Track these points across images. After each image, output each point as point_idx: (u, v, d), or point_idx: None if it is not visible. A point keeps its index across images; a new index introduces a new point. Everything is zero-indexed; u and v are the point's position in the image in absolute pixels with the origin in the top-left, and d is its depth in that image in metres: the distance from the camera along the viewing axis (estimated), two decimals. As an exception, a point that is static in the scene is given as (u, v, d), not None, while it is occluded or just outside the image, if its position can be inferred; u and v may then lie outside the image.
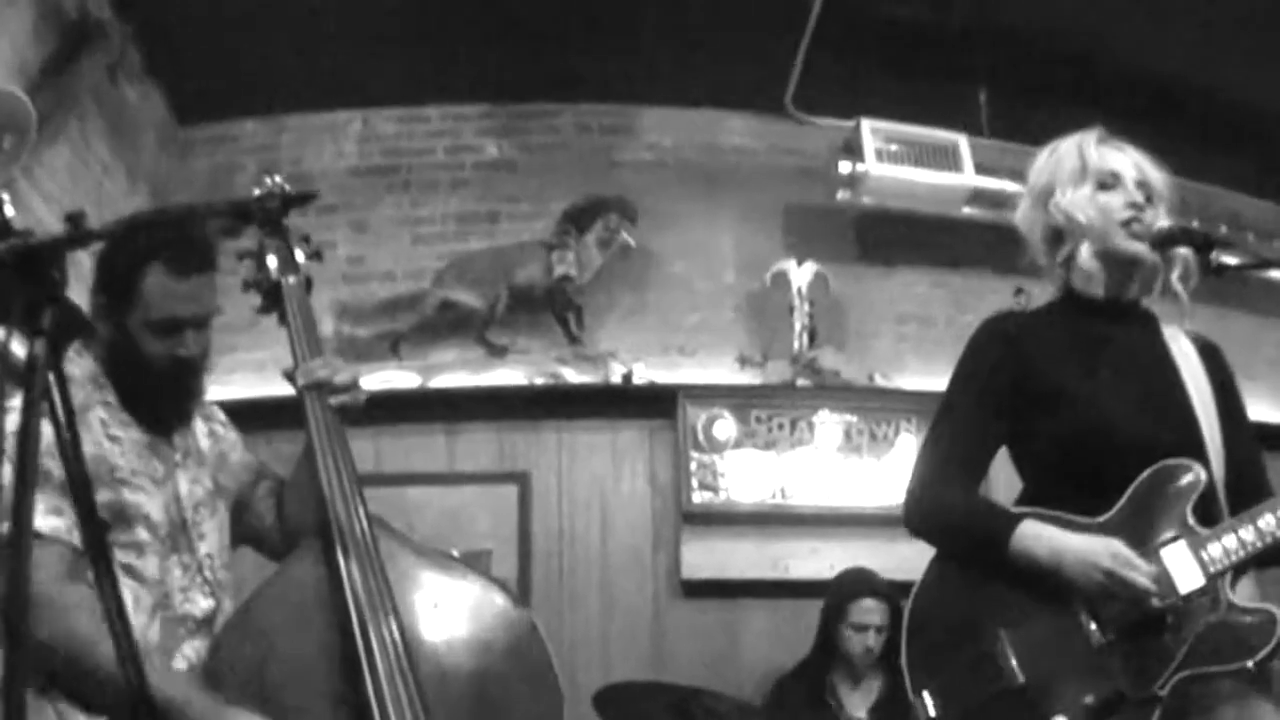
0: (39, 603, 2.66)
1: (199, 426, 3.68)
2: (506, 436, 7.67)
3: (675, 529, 7.51)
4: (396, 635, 3.25)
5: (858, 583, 6.70)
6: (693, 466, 7.49)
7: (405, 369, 7.73)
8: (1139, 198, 3.59)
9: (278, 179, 3.57)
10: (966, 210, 7.76)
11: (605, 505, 7.62)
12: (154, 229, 3.48)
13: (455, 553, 6.72)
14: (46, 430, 2.74)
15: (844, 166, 7.75)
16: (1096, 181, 3.62)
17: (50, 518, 3.10)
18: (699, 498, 7.47)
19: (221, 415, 3.83)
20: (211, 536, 3.56)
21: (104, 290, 3.45)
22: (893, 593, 6.59)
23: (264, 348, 6.71)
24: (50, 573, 3.04)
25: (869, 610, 6.57)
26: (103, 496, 3.20)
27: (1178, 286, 3.62)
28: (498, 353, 7.80)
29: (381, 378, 7.51)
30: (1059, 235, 3.69)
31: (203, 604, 3.47)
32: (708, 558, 7.43)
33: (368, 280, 7.99)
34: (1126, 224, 3.56)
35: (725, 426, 7.53)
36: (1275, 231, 8.38)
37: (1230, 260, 3.39)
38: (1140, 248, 3.56)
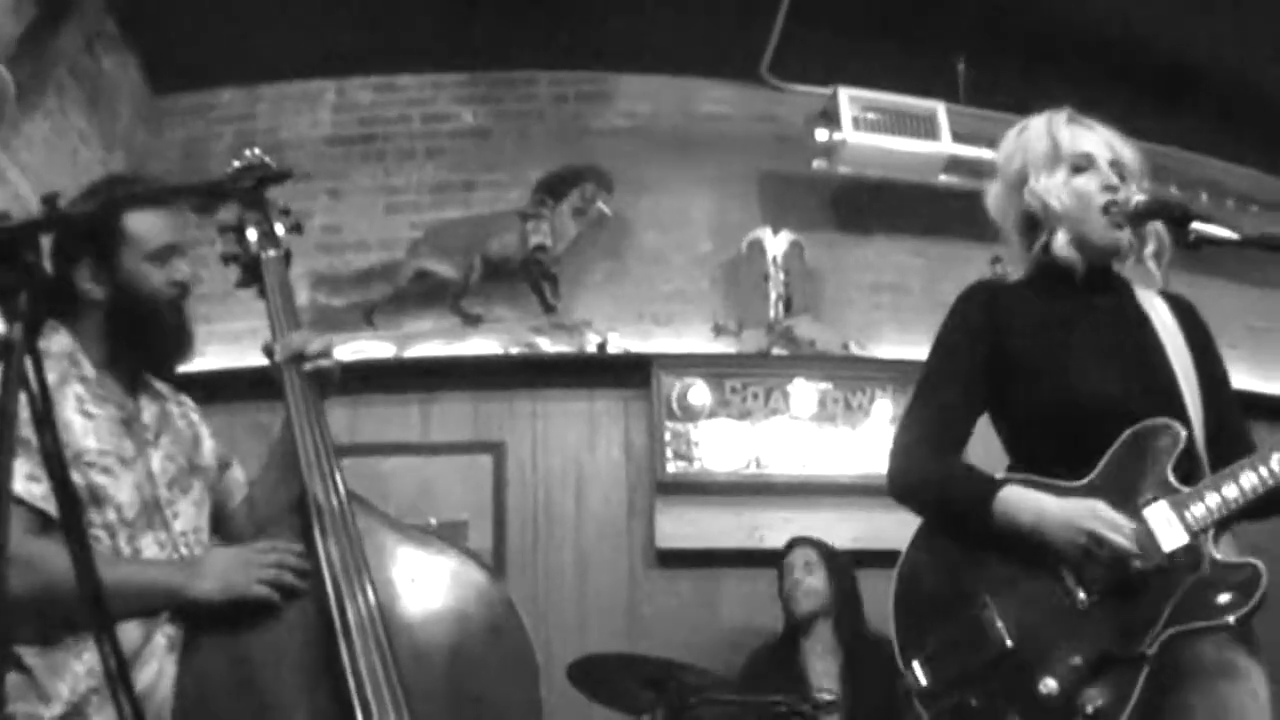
0: (12, 560, 2.67)
1: (173, 408, 3.70)
2: (481, 406, 7.66)
3: (650, 498, 7.51)
4: (373, 608, 3.26)
5: (793, 539, 6.88)
6: (667, 436, 7.49)
7: (380, 339, 7.72)
8: (1113, 178, 3.59)
9: (257, 151, 3.57)
10: (944, 178, 7.78)
11: (580, 475, 7.62)
12: (127, 207, 3.53)
13: (432, 521, 6.89)
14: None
15: (820, 135, 7.75)
16: (1070, 165, 3.63)
17: (29, 483, 3.12)
18: (674, 467, 7.46)
19: (191, 402, 3.84)
20: (187, 514, 3.57)
21: (90, 248, 3.49)
22: (833, 548, 6.75)
23: (239, 319, 6.71)
24: (19, 531, 3.03)
25: (801, 554, 6.73)
26: (76, 479, 3.20)
27: (1151, 264, 3.64)
28: (472, 322, 7.78)
29: (356, 347, 7.50)
30: (1034, 221, 3.69)
31: None
32: (683, 527, 7.44)
33: (343, 250, 7.97)
34: (1105, 209, 3.56)
35: (700, 395, 7.52)
36: (1253, 197, 8.42)
37: (1208, 234, 3.37)
38: (1121, 236, 3.58)
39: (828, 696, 6.24)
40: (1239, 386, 3.78)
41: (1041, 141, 3.69)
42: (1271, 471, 3.27)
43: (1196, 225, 3.35)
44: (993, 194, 3.82)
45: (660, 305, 7.99)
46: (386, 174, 8.21)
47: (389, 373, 7.52)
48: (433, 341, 7.77)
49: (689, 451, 7.48)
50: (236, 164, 3.51)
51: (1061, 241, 3.61)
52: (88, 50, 7.11)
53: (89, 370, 3.46)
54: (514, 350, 7.71)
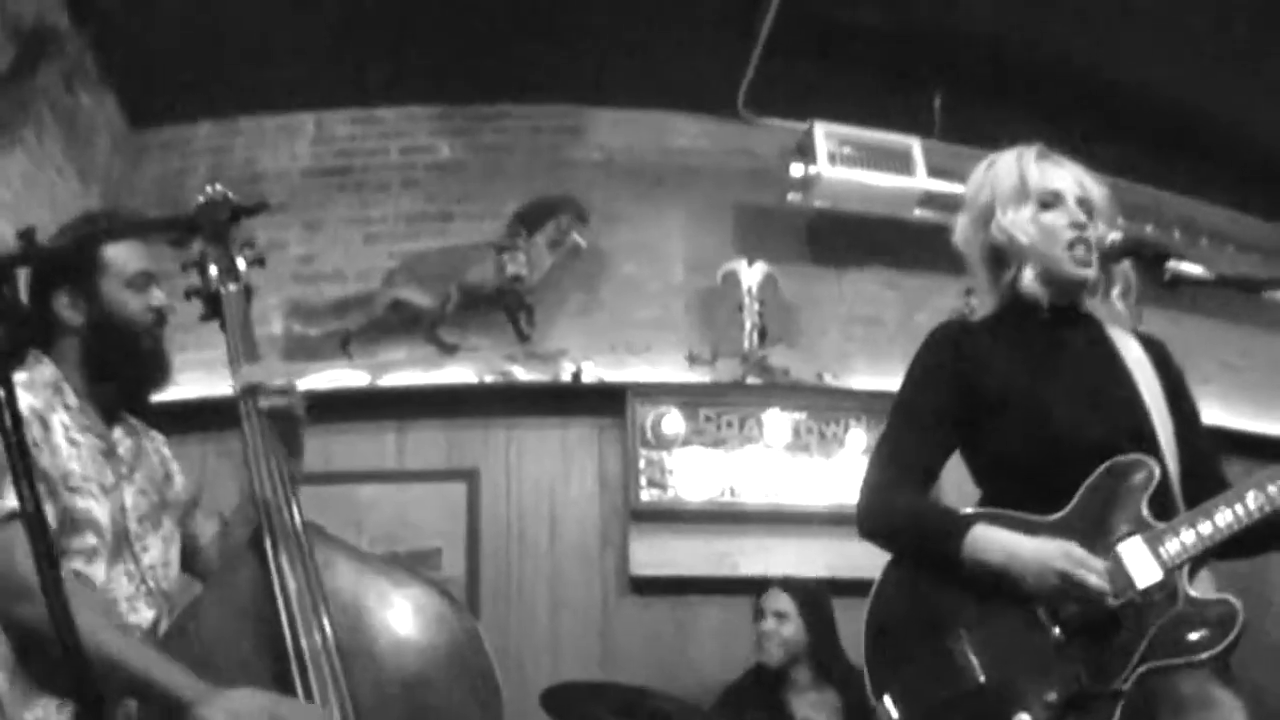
0: (27, 586, 2.71)
1: (147, 443, 3.72)
2: (456, 434, 7.67)
3: (624, 526, 7.52)
4: (329, 638, 3.25)
5: (768, 580, 6.84)
6: (641, 464, 7.50)
7: (355, 367, 7.76)
8: (1081, 216, 3.61)
9: (219, 187, 3.55)
10: (918, 212, 7.80)
11: (554, 503, 7.62)
12: (101, 242, 3.59)
13: (400, 550, 6.86)
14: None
15: (796, 169, 7.80)
16: (1038, 201, 3.63)
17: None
18: (648, 495, 7.47)
19: (161, 438, 3.85)
20: (155, 549, 3.59)
21: (69, 276, 3.54)
22: (809, 589, 6.71)
23: (213, 347, 6.57)
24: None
25: (774, 598, 6.67)
26: (58, 504, 3.28)
27: (1119, 304, 3.66)
28: (448, 350, 7.78)
29: (331, 376, 7.49)
30: (1000, 255, 3.69)
31: (146, 614, 3.48)
32: (656, 555, 7.44)
33: (318, 280, 7.98)
34: (1071, 246, 3.57)
35: (674, 424, 7.54)
36: (1227, 235, 8.49)
37: (1184, 273, 3.39)
38: (1088, 274, 3.59)
39: None
40: (1212, 423, 3.81)
41: (1010, 176, 3.69)
42: (1247, 509, 3.28)
43: (1172, 264, 3.37)
44: (960, 227, 3.83)
45: (635, 334, 8.00)
46: (363, 205, 8.23)
47: (364, 401, 7.50)
48: (408, 370, 7.80)
49: (663, 480, 7.49)
50: (200, 200, 3.51)
51: (1029, 276, 3.62)
52: (66, 87, 7.13)
53: (72, 399, 3.49)
54: (489, 379, 7.72)
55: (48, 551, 2.45)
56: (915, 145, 7.84)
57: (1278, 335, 8.66)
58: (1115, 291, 3.65)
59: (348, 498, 7.04)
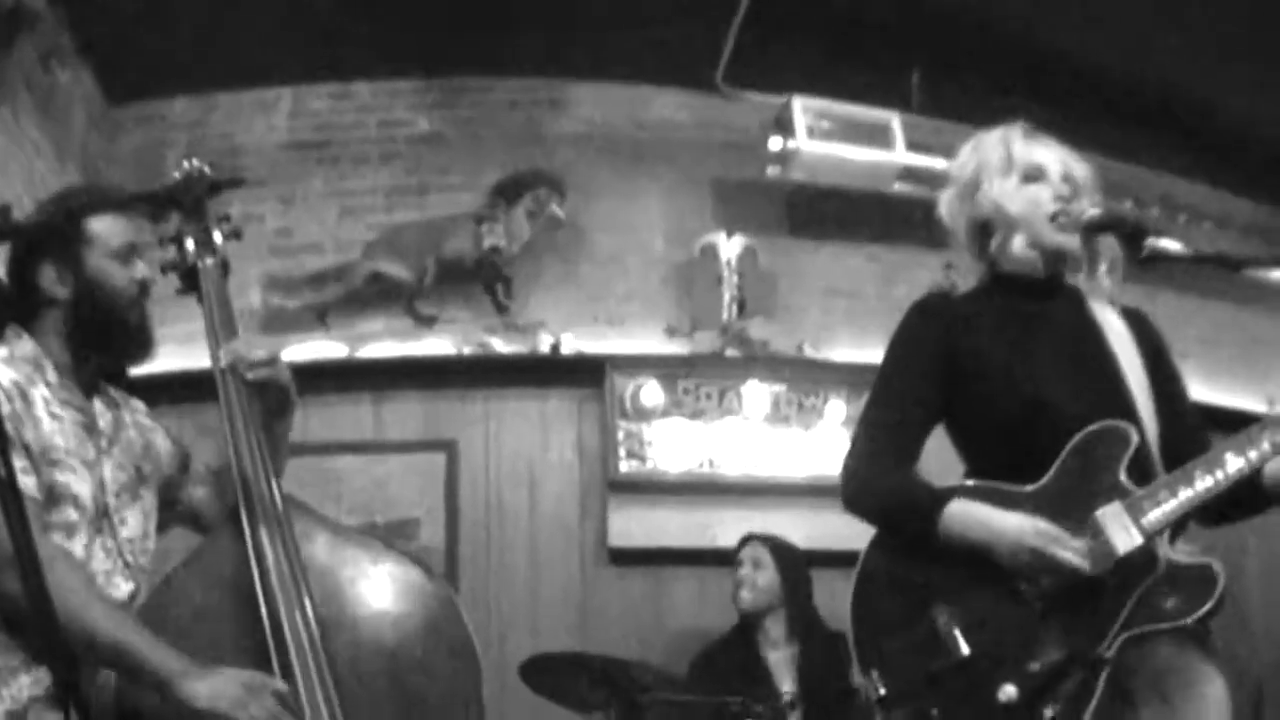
0: (8, 557, 2.65)
1: (125, 416, 3.70)
2: (434, 406, 7.69)
3: (602, 498, 7.55)
4: (308, 611, 3.27)
5: (746, 536, 6.93)
6: (620, 436, 7.53)
7: (332, 339, 7.72)
8: (1064, 190, 3.61)
9: (196, 162, 3.60)
10: (898, 186, 7.81)
11: (533, 474, 7.64)
12: (86, 214, 3.57)
13: (378, 520, 6.93)
14: (0, 399, 3.20)
15: (775, 143, 7.80)
16: (1022, 174, 3.64)
17: (23, 475, 3.14)
18: (626, 466, 7.51)
19: (142, 406, 3.84)
20: (133, 522, 3.58)
21: (53, 249, 3.52)
22: (787, 544, 6.81)
23: (190, 320, 6.61)
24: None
25: (751, 548, 6.81)
26: (41, 477, 3.29)
27: (1105, 281, 3.67)
28: (426, 322, 7.80)
29: (309, 348, 7.49)
30: (987, 227, 3.70)
31: (124, 587, 3.47)
32: (635, 526, 7.48)
33: (296, 253, 7.97)
34: (1054, 217, 3.58)
35: (653, 396, 7.55)
36: (1207, 213, 8.50)
37: (1161, 249, 3.38)
38: (1067, 239, 3.59)
39: (788, 695, 6.29)
40: (1192, 398, 3.80)
41: (996, 151, 3.70)
42: (1226, 473, 3.27)
43: (1149, 240, 3.37)
44: (946, 201, 3.82)
45: (613, 307, 8.02)
46: (341, 178, 8.20)
47: (341, 373, 7.53)
48: (385, 342, 7.78)
49: (642, 451, 7.53)
50: (177, 175, 3.56)
51: (1019, 244, 3.64)
52: (43, 65, 7.08)
53: (52, 375, 3.47)
54: (467, 351, 7.73)
55: (23, 523, 2.45)
56: (894, 120, 7.82)
57: (1254, 310, 8.72)
58: (1103, 268, 3.65)
59: (325, 469, 7.03)
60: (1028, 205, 3.61)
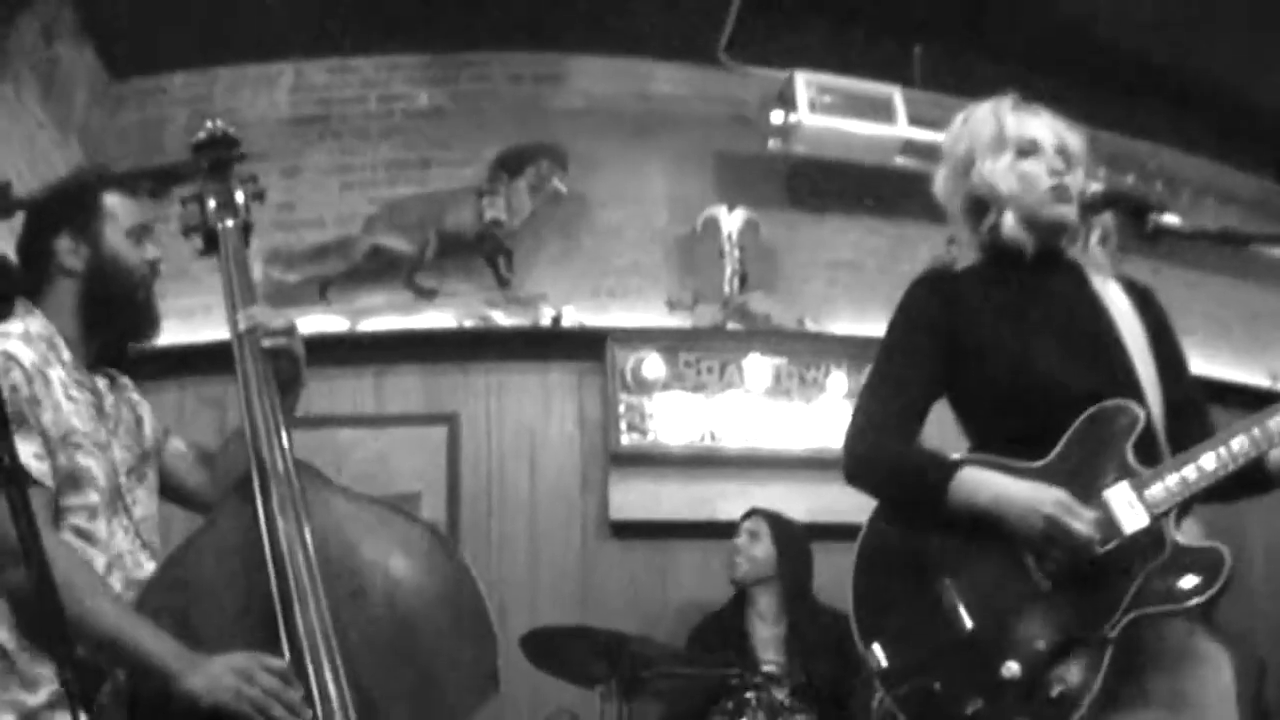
0: (17, 550, 2.67)
1: (122, 395, 3.70)
2: (435, 379, 7.70)
3: (604, 470, 7.56)
4: (318, 581, 3.26)
5: (749, 510, 6.98)
6: (621, 409, 7.53)
7: (333, 313, 7.72)
8: (1059, 164, 3.59)
9: (219, 122, 3.66)
10: (900, 160, 7.78)
11: (534, 447, 7.66)
12: (106, 186, 3.64)
13: (380, 495, 6.85)
14: (22, 381, 3.24)
15: (776, 116, 7.78)
16: (1016, 149, 3.61)
17: (37, 462, 3.20)
18: (628, 439, 7.52)
19: (130, 383, 3.82)
20: (143, 501, 3.60)
21: (72, 219, 3.53)
22: (788, 520, 6.84)
23: (191, 295, 6.71)
24: (42, 521, 3.00)
25: (751, 520, 6.86)
26: (60, 460, 3.30)
27: (1098, 252, 3.64)
28: (427, 296, 7.79)
29: (310, 322, 7.31)
30: (981, 204, 3.65)
31: (147, 566, 3.49)
32: (636, 499, 7.49)
33: (298, 227, 7.95)
34: (1050, 191, 3.56)
35: (654, 368, 7.55)
36: (1210, 188, 8.50)
37: (1165, 225, 3.37)
38: (1066, 212, 3.57)
39: (770, 668, 6.29)
40: (1194, 373, 3.78)
41: (988, 126, 3.67)
42: (1232, 454, 3.25)
43: (1154, 216, 3.36)
44: (940, 178, 3.80)
45: (615, 280, 8.02)
46: (343, 153, 8.18)
47: (342, 346, 7.53)
48: (386, 315, 7.78)
49: (643, 424, 7.53)
50: (201, 135, 3.63)
51: (1010, 222, 3.58)
52: (45, 40, 7.09)
53: (66, 354, 3.47)
54: (469, 324, 7.73)
55: (29, 515, 2.46)
56: (896, 94, 7.81)
57: (1258, 285, 8.71)
58: (1094, 239, 3.62)
59: (327, 442, 6.98)
60: (1022, 182, 3.57)
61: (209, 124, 3.65)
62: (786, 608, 6.69)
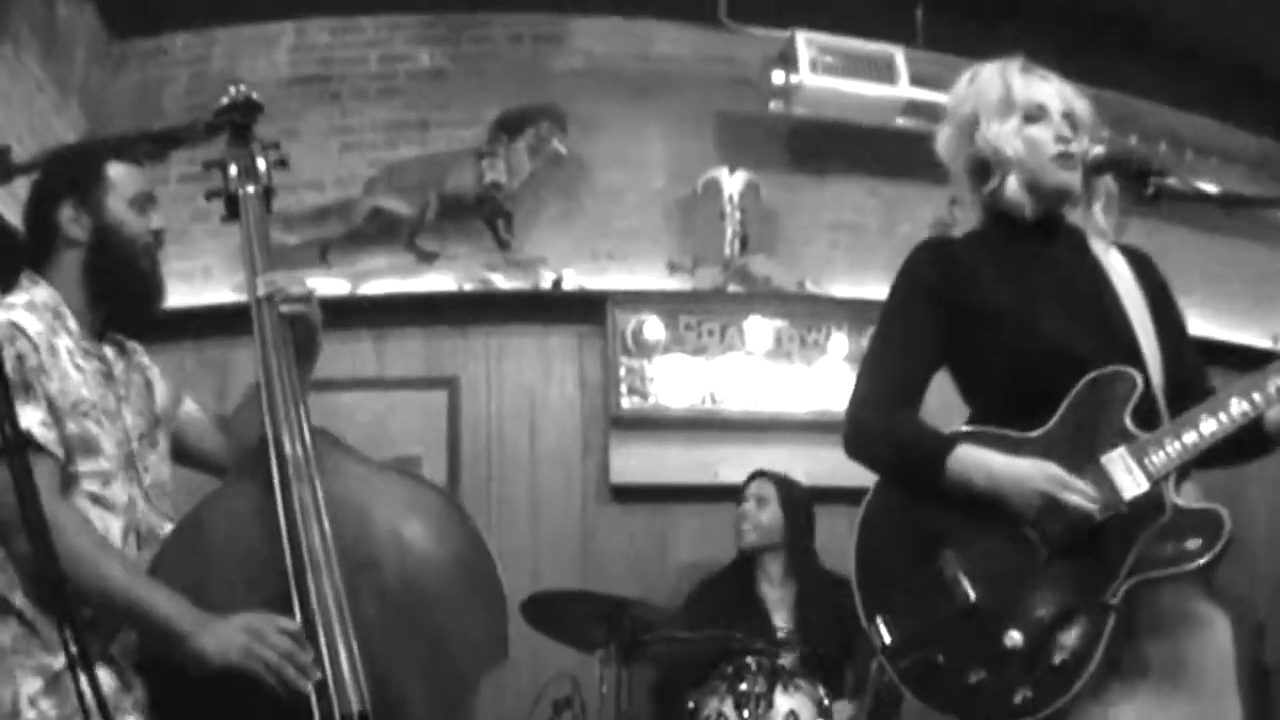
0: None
1: (132, 362, 3.74)
2: (435, 342, 7.70)
3: (604, 434, 7.58)
4: (331, 546, 3.32)
5: (754, 472, 6.98)
6: (622, 372, 7.53)
7: (334, 275, 7.69)
8: (1066, 130, 3.58)
9: (242, 88, 3.74)
10: (901, 121, 7.78)
11: (534, 410, 7.66)
12: (101, 159, 3.67)
13: (381, 457, 6.83)
14: (28, 350, 3.30)
15: (777, 77, 7.76)
16: (1023, 114, 3.59)
17: (44, 429, 3.26)
18: (628, 403, 7.51)
19: (141, 348, 3.86)
20: (155, 468, 3.65)
21: (74, 189, 3.57)
22: (794, 484, 6.85)
23: (193, 258, 6.73)
24: (48, 488, 3.13)
25: (757, 484, 6.87)
26: (70, 428, 3.35)
27: (1100, 216, 3.64)
28: (427, 258, 7.78)
29: (310, 284, 7.39)
30: (984, 167, 3.65)
31: (160, 530, 3.53)
32: (636, 462, 7.51)
33: (297, 189, 7.80)
34: (1056, 158, 3.55)
35: (654, 331, 7.55)
36: (1213, 148, 8.43)
37: (1167, 187, 3.37)
38: (1071, 179, 3.57)
39: (783, 632, 6.31)
40: (1195, 334, 3.78)
41: (994, 89, 3.65)
42: (1231, 417, 3.26)
43: (1155, 179, 3.36)
44: (943, 138, 3.79)
45: (615, 242, 8.01)
46: (343, 114, 8.17)
47: (343, 309, 7.41)
48: (387, 278, 7.79)
49: (643, 387, 7.53)
50: (224, 100, 3.72)
51: (1013, 185, 3.59)
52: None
53: (73, 324, 3.51)
54: (469, 286, 7.73)
55: (29, 484, 2.51)
56: (898, 54, 7.79)
57: (1259, 245, 8.69)
58: (1097, 205, 3.63)
59: (327, 405, 6.90)
60: (1028, 147, 3.57)
61: (231, 89, 3.72)
62: (794, 572, 6.72)
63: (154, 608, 3.23)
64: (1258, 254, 8.71)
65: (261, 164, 3.83)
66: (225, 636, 3.21)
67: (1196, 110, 8.51)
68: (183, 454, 3.84)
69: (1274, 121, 8.65)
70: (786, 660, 5.93)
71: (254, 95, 3.75)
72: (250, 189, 3.79)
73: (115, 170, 3.61)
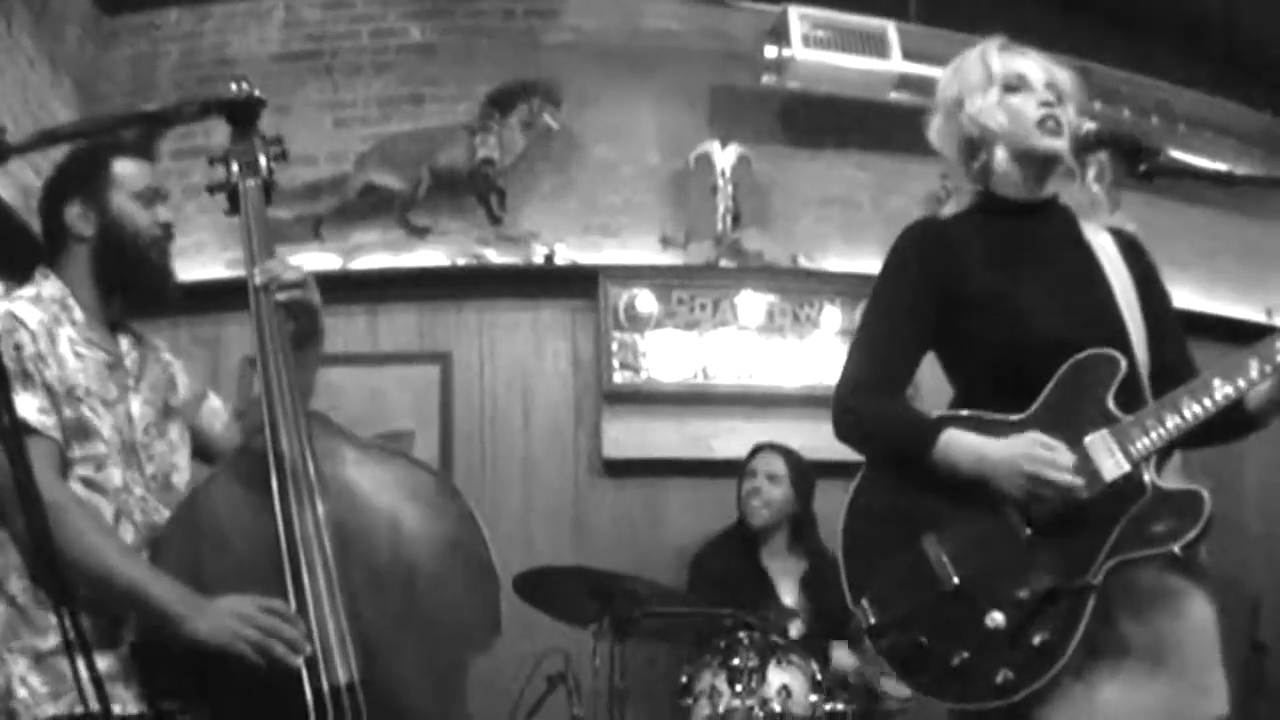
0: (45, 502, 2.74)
1: (150, 353, 3.80)
2: (428, 317, 7.72)
3: (597, 408, 7.59)
4: (324, 529, 3.39)
5: (761, 444, 6.98)
6: (614, 346, 7.55)
7: (326, 251, 7.71)
8: (1048, 96, 3.60)
9: (245, 84, 3.68)
10: (894, 95, 7.77)
11: (527, 385, 7.69)
12: (107, 155, 3.73)
13: (376, 433, 6.78)
14: (26, 340, 3.38)
15: (770, 51, 7.77)
16: (1003, 85, 3.62)
17: (42, 415, 3.34)
18: (620, 377, 7.53)
19: (164, 345, 3.94)
20: (162, 456, 3.69)
21: (81, 187, 3.66)
22: (801, 457, 6.82)
23: (183, 234, 6.67)
24: (48, 470, 3.26)
25: (767, 460, 6.85)
26: (67, 413, 3.42)
27: (1094, 188, 3.65)
28: (419, 233, 7.78)
29: (304, 259, 7.27)
30: (973, 145, 3.68)
31: (157, 517, 3.57)
32: (629, 437, 7.53)
33: (289, 164, 7.77)
34: (1041, 123, 3.57)
35: (647, 305, 7.58)
36: (1205, 121, 8.40)
37: (1159, 165, 3.39)
38: (1058, 144, 3.58)
39: (792, 608, 6.35)
40: (1188, 307, 3.80)
41: (975, 69, 3.68)
42: (1213, 399, 3.28)
43: (1148, 158, 3.38)
44: (934, 126, 3.82)
45: (607, 217, 8.00)
46: (335, 89, 8.15)
47: (336, 284, 7.27)
48: (379, 253, 7.79)
49: (636, 362, 7.55)
50: (227, 95, 3.65)
51: (1001, 157, 3.62)
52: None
53: (79, 315, 3.58)
54: (461, 261, 7.74)
55: (25, 468, 2.52)
56: (890, 28, 7.78)
57: (1251, 219, 8.70)
58: (1090, 175, 3.64)
59: (321, 381, 6.97)
60: (1011, 115, 3.60)
61: (234, 85, 3.67)
62: (800, 545, 6.78)
63: (149, 590, 3.27)
64: (1249, 228, 8.71)
65: (263, 159, 3.84)
66: (216, 618, 3.26)
67: (1188, 84, 8.47)
68: (200, 448, 3.90)
69: (1267, 95, 8.65)
70: (794, 632, 5.97)
71: (257, 92, 3.72)
72: (250, 183, 3.79)
73: (121, 165, 3.68)
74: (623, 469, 7.54)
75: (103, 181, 3.66)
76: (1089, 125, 3.54)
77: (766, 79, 7.86)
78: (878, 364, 3.65)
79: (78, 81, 7.65)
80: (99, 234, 3.64)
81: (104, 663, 3.03)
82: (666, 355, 7.59)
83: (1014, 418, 3.41)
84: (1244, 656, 7.09)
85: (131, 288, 3.69)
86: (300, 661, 3.25)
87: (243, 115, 3.73)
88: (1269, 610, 7.42)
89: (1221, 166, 7.87)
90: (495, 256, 7.78)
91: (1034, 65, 3.65)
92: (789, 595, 6.62)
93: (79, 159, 3.73)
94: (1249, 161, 8.32)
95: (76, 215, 3.63)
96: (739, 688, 5.59)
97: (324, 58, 8.22)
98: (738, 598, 6.19)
